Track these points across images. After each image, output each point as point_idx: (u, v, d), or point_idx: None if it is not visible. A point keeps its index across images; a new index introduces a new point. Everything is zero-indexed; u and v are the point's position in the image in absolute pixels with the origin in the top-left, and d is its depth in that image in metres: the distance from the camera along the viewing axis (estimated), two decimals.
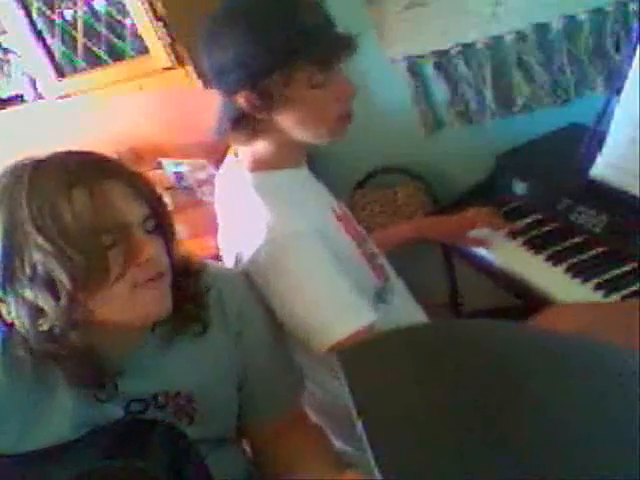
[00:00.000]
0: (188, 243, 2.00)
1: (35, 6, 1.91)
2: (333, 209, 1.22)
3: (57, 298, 0.84)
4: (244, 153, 1.18)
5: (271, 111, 1.09)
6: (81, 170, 0.87)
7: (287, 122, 1.11)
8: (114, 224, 0.87)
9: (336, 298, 1.07)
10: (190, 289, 0.99)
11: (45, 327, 0.86)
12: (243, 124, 1.11)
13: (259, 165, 1.16)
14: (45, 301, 0.85)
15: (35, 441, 0.92)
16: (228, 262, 1.22)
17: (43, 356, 0.89)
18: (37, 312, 0.86)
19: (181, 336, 0.98)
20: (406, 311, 1.29)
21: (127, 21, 1.83)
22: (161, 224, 0.94)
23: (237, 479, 1.08)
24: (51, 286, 0.84)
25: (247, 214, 1.13)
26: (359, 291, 1.10)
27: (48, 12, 1.91)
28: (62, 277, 0.83)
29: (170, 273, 0.94)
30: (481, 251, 1.55)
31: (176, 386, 0.98)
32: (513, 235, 1.55)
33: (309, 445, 1.09)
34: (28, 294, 0.85)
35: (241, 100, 1.08)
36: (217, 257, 1.90)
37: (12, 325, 0.90)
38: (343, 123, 1.15)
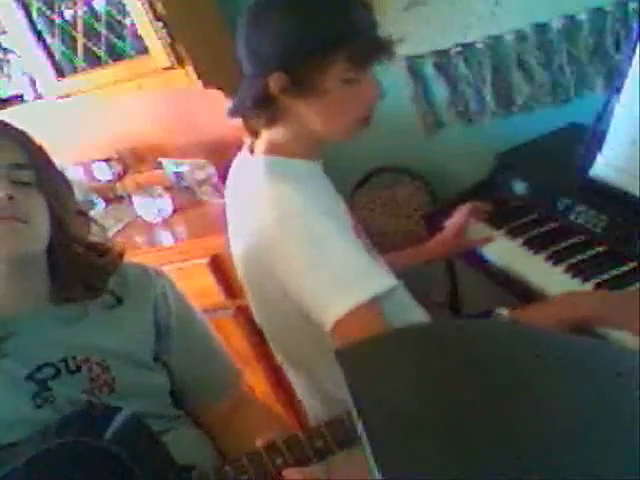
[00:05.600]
0: (188, 243, 2.01)
1: (35, 6, 1.90)
2: (342, 205, 1.23)
3: None
4: (260, 140, 1.19)
5: (298, 97, 1.10)
6: None
7: (309, 112, 1.12)
8: None
9: (352, 265, 1.06)
10: (94, 262, 1.05)
11: None
12: (265, 106, 1.12)
13: (274, 150, 1.17)
14: None
15: None
16: (239, 252, 1.23)
17: None
18: None
19: (94, 306, 1.03)
20: (410, 311, 1.29)
21: (127, 21, 1.83)
22: (42, 183, 0.98)
23: (204, 460, 1.10)
24: None
25: (257, 194, 1.13)
26: (372, 259, 1.10)
27: (48, 12, 1.91)
28: None
29: (43, 227, 0.98)
30: (481, 251, 1.55)
31: (84, 352, 1.01)
32: (513, 235, 1.55)
33: (257, 421, 1.12)
34: None
35: (272, 81, 1.09)
36: (217, 257, 1.91)
37: None
38: (361, 125, 1.16)
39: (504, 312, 1.03)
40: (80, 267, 1.03)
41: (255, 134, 1.21)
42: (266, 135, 1.18)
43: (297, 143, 1.17)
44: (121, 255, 1.09)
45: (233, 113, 1.20)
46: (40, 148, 1.02)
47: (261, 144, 1.19)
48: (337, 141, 1.19)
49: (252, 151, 1.22)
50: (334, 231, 1.07)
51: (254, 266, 1.19)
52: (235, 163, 1.29)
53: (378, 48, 1.11)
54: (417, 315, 1.31)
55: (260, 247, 1.12)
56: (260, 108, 1.13)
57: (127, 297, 1.07)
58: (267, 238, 1.10)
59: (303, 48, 1.06)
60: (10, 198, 0.93)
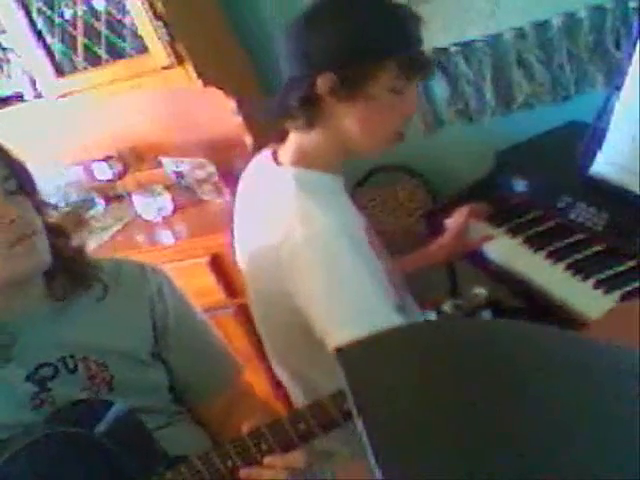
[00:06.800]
0: (188, 242, 2.01)
1: (35, 5, 1.91)
2: (361, 221, 1.23)
3: None
4: (287, 147, 1.20)
5: (344, 101, 1.11)
6: None
7: (351, 117, 1.13)
8: None
9: (365, 297, 1.07)
10: (66, 248, 1.04)
11: None
12: (309, 106, 1.12)
13: (302, 160, 1.17)
14: None
15: None
16: (249, 259, 1.24)
17: None
18: None
19: (85, 299, 1.03)
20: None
21: (127, 20, 1.83)
22: (23, 185, 0.97)
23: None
24: None
25: (285, 207, 1.13)
26: (387, 297, 1.10)
27: (48, 11, 1.91)
28: None
29: (43, 229, 0.98)
30: (482, 249, 1.55)
31: (82, 350, 1.02)
32: (513, 233, 1.55)
33: (252, 412, 1.12)
34: None
35: (321, 81, 1.09)
36: (218, 256, 1.91)
37: None
38: (395, 140, 1.18)
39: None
40: (59, 253, 1.02)
41: (281, 139, 1.20)
42: (297, 141, 1.18)
43: (327, 153, 1.17)
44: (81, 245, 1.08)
45: (268, 115, 1.19)
46: (15, 157, 1.00)
47: (288, 152, 1.19)
48: (364, 156, 1.20)
49: (275, 157, 1.22)
50: (356, 260, 1.08)
51: (265, 275, 1.19)
52: (253, 168, 1.29)
53: (427, 62, 1.15)
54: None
55: (280, 260, 1.11)
56: (303, 108, 1.12)
57: (119, 292, 1.07)
58: (289, 253, 1.09)
59: (356, 50, 1.08)
60: (18, 216, 0.93)
